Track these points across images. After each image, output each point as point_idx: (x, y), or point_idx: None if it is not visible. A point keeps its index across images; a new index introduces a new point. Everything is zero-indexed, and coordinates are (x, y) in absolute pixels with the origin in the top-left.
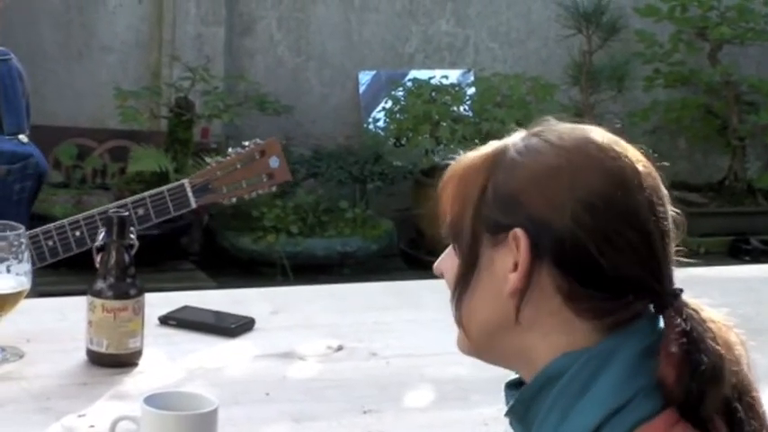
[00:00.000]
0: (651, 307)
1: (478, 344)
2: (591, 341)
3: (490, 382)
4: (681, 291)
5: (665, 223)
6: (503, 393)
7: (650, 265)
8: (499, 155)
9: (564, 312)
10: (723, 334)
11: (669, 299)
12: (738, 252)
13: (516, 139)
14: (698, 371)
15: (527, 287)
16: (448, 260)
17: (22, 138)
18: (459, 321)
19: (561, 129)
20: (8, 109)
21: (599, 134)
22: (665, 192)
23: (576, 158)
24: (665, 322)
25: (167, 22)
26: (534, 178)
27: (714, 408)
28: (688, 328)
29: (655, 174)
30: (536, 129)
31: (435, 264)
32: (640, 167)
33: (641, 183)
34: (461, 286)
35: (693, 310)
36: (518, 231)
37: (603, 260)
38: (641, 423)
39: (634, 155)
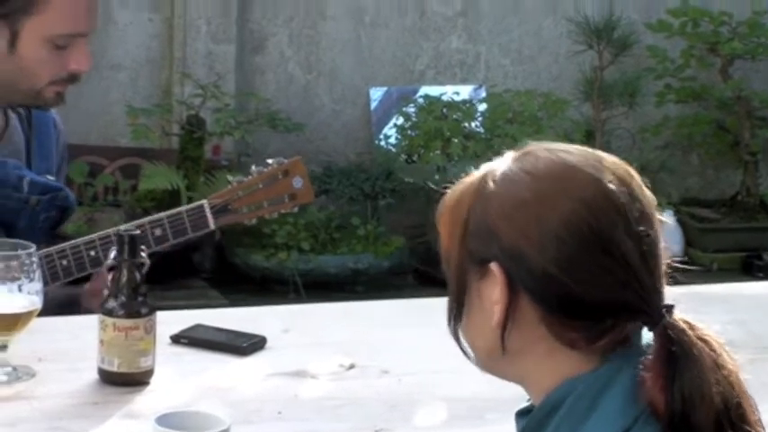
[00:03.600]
0: (642, 326)
1: (485, 366)
2: (587, 366)
3: (504, 401)
4: (671, 307)
5: (647, 240)
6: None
7: (631, 287)
8: (481, 183)
9: (550, 341)
10: (713, 352)
11: (657, 317)
12: (751, 268)
13: (499, 164)
14: (681, 393)
15: (508, 319)
16: None
17: (51, 178)
18: (462, 348)
19: (541, 155)
20: (39, 152)
21: (577, 157)
22: (647, 208)
23: (546, 188)
24: (654, 341)
25: (178, 39)
26: (505, 210)
27: (705, 428)
28: (674, 349)
29: (635, 191)
30: (521, 153)
31: None
32: (615, 187)
33: (615, 205)
34: (455, 317)
35: (684, 327)
36: (493, 265)
37: (579, 289)
38: None
39: (612, 175)
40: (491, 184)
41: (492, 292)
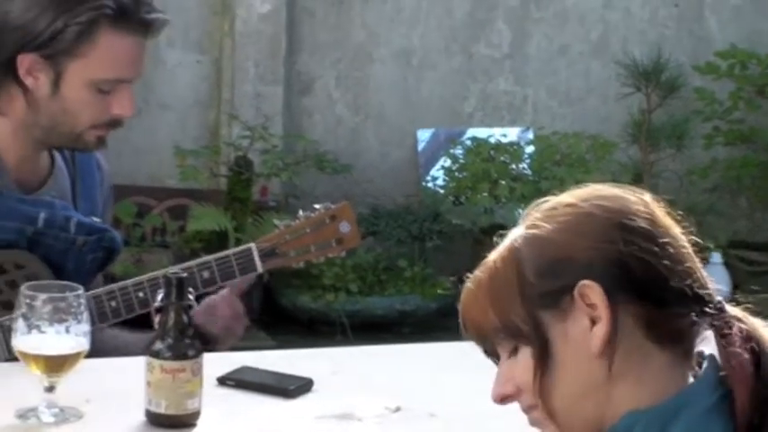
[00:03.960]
0: (707, 321)
1: (569, 424)
2: (667, 385)
3: None
4: (721, 301)
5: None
6: None
7: (698, 273)
8: (514, 244)
9: (647, 346)
10: None
11: (717, 306)
12: None
13: (519, 228)
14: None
15: (615, 332)
16: (509, 371)
17: (96, 219)
18: (550, 411)
19: (557, 198)
20: (84, 193)
21: (598, 186)
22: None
23: (596, 200)
24: (721, 331)
25: (226, 81)
26: (571, 233)
27: None
28: (755, 347)
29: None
30: (531, 213)
31: (495, 391)
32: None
33: (658, 207)
34: (542, 374)
35: (738, 318)
36: (584, 284)
37: (664, 269)
38: None
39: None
40: (529, 232)
41: (580, 321)
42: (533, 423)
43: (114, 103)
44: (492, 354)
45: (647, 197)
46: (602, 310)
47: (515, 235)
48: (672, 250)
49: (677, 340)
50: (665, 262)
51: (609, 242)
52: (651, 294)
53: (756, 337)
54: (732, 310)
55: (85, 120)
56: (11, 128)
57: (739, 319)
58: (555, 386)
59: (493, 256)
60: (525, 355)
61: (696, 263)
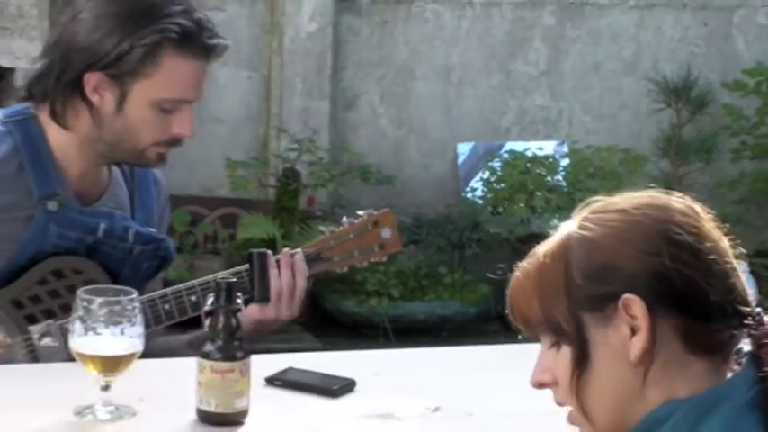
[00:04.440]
0: (745, 332)
1: (602, 427)
2: (700, 386)
3: None
4: (760, 313)
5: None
6: None
7: (740, 287)
8: (565, 242)
9: (684, 356)
10: None
11: (756, 318)
12: None
13: (571, 224)
14: None
15: (653, 343)
16: (549, 361)
17: (152, 230)
18: (584, 409)
19: (610, 200)
20: (141, 205)
21: (651, 192)
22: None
23: (647, 209)
24: (759, 342)
25: (275, 96)
26: (619, 240)
27: None
28: None
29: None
30: (584, 212)
31: (534, 378)
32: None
33: (708, 219)
34: (579, 374)
35: None
36: (627, 297)
37: (706, 285)
38: None
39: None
40: (580, 233)
41: (620, 329)
42: (571, 420)
43: (175, 123)
44: (536, 339)
45: (698, 208)
46: (643, 323)
47: (566, 231)
48: (716, 266)
49: (715, 351)
50: (708, 278)
51: (654, 254)
52: (691, 308)
53: None
54: None
55: (147, 137)
56: (76, 142)
57: None
58: (590, 387)
59: (543, 248)
60: (566, 353)
61: (739, 277)
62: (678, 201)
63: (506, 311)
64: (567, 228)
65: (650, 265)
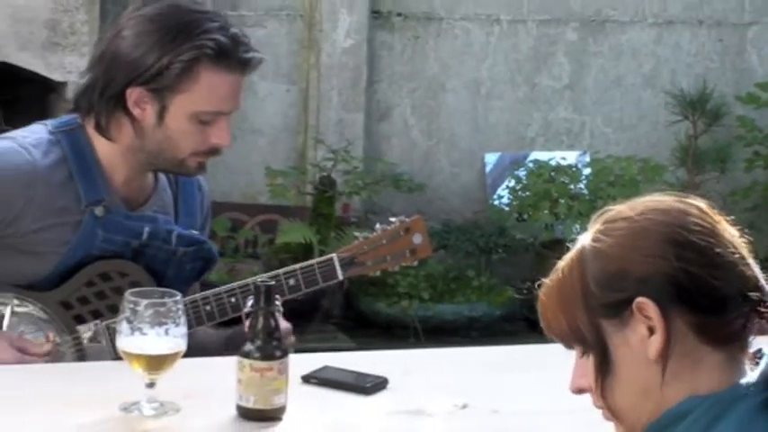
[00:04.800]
0: (759, 318)
1: (632, 423)
2: (720, 381)
3: None
4: None
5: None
6: None
7: (751, 273)
8: (580, 255)
9: (700, 349)
10: None
11: None
12: None
13: (585, 237)
14: None
15: (669, 341)
16: (582, 368)
17: (195, 232)
18: (612, 410)
19: (619, 209)
20: (185, 209)
21: (656, 197)
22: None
23: (651, 214)
24: None
25: (312, 108)
26: (627, 247)
27: None
28: None
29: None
30: (596, 223)
31: (573, 384)
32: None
33: (712, 214)
34: (602, 377)
35: None
36: (640, 300)
37: (716, 281)
38: None
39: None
40: (592, 244)
41: (638, 330)
42: (607, 418)
43: (213, 134)
44: (571, 348)
45: (702, 205)
46: (657, 323)
47: (582, 244)
48: (722, 259)
49: (731, 341)
50: (716, 271)
51: (661, 257)
52: (702, 304)
53: None
54: None
55: (187, 148)
56: (119, 152)
57: None
58: (616, 388)
59: (562, 263)
60: (590, 360)
61: (749, 263)
62: (680, 201)
63: (541, 326)
64: (582, 241)
65: (658, 268)
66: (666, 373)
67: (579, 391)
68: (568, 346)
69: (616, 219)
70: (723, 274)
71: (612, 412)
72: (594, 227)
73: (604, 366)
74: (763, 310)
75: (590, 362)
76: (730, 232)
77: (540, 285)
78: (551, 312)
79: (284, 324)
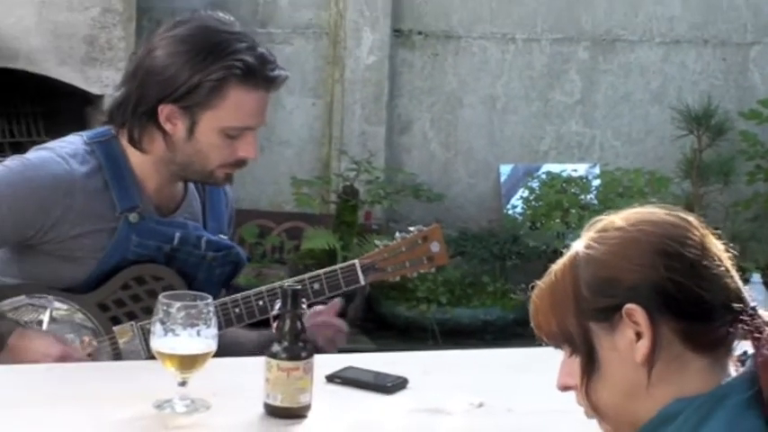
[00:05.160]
0: (741, 328)
1: (616, 422)
2: (705, 384)
3: None
4: (755, 307)
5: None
6: None
7: (734, 285)
8: (573, 260)
9: (685, 354)
10: None
11: (750, 313)
12: None
13: (579, 244)
14: None
15: (656, 346)
16: (569, 367)
17: (223, 236)
18: (594, 407)
19: (612, 218)
20: (212, 215)
21: (648, 209)
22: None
23: (643, 225)
24: (753, 335)
25: (336, 121)
26: (618, 255)
27: None
28: None
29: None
30: (590, 231)
31: (559, 382)
32: (685, 222)
33: (701, 228)
34: (588, 377)
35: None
36: (629, 307)
37: (703, 291)
38: None
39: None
40: (585, 251)
41: (626, 334)
42: (589, 416)
43: (240, 147)
44: (559, 348)
45: (691, 219)
46: (645, 329)
47: (574, 251)
48: (708, 271)
49: (715, 346)
50: (702, 282)
51: (650, 267)
52: (688, 312)
53: None
54: (765, 315)
55: (215, 160)
56: (151, 162)
57: None
58: (601, 389)
59: (555, 267)
60: (577, 360)
61: (733, 276)
62: (671, 214)
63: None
64: (576, 247)
65: (648, 277)
66: (652, 376)
67: (565, 388)
68: (557, 346)
69: (609, 228)
70: (709, 284)
71: (596, 410)
72: (588, 234)
73: (590, 367)
74: (744, 318)
75: (577, 362)
76: (717, 246)
77: (533, 288)
78: (542, 314)
79: (339, 321)
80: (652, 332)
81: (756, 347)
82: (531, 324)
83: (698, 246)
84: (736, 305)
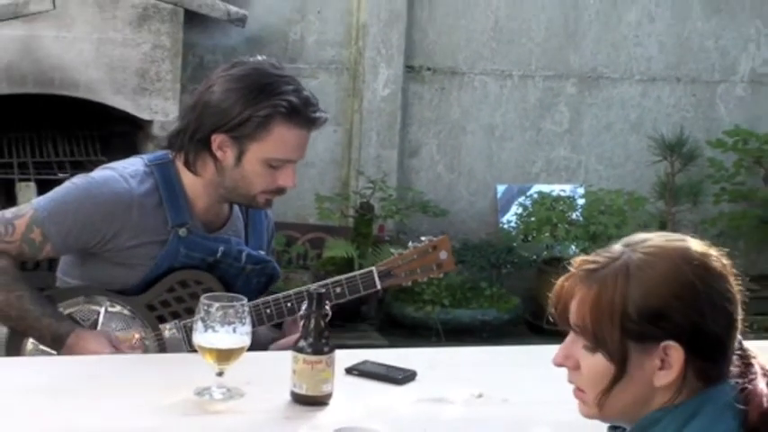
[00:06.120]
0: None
1: (606, 416)
2: (689, 396)
3: (595, 425)
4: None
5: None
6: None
7: (736, 332)
8: (625, 270)
9: (691, 382)
10: None
11: (740, 347)
12: None
13: (631, 254)
14: None
15: (679, 379)
16: (573, 350)
17: (262, 252)
18: (601, 406)
19: (665, 245)
20: (254, 233)
21: (701, 245)
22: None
23: (697, 270)
24: (746, 369)
25: (355, 146)
26: (673, 294)
27: None
28: (761, 364)
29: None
30: (635, 243)
31: (557, 359)
32: (723, 267)
33: (730, 270)
34: (612, 384)
35: (754, 355)
36: (670, 344)
37: (729, 340)
38: None
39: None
40: (640, 269)
41: (655, 361)
42: (576, 396)
43: (281, 177)
44: (563, 328)
45: (725, 261)
46: (676, 364)
47: (626, 260)
48: (736, 320)
49: (713, 379)
50: (732, 332)
51: (700, 315)
52: (713, 356)
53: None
54: (750, 348)
55: (258, 186)
56: (202, 185)
57: (754, 356)
58: (615, 394)
59: (603, 261)
60: (599, 360)
61: (740, 316)
62: (720, 263)
63: (550, 302)
64: (628, 256)
65: (694, 323)
66: (661, 394)
67: (560, 365)
68: (568, 329)
69: (664, 257)
70: (734, 333)
71: (599, 407)
72: (642, 248)
73: (618, 378)
74: (742, 354)
75: (596, 359)
76: (736, 287)
77: (564, 266)
78: (579, 304)
79: None
80: (682, 369)
81: (745, 374)
82: (552, 305)
83: (734, 297)
84: (739, 347)
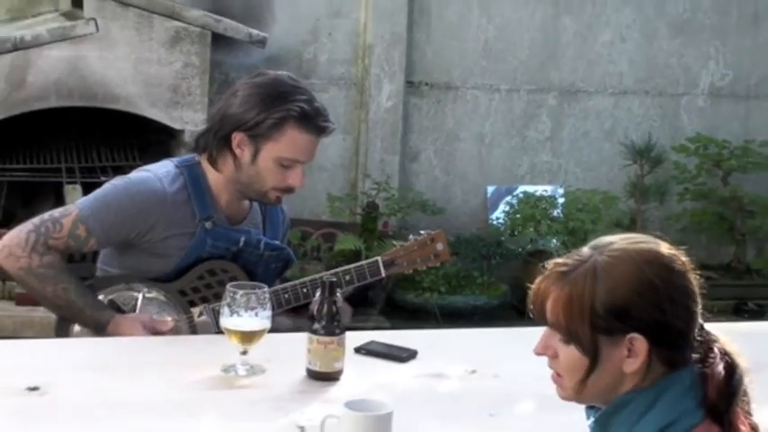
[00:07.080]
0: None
1: (583, 400)
2: (654, 380)
3: None
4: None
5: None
6: (584, 410)
7: (696, 323)
8: (593, 271)
9: (660, 369)
10: (736, 355)
11: (701, 332)
12: (740, 312)
13: (598, 257)
14: (733, 387)
15: (644, 366)
16: (551, 342)
17: (277, 242)
18: (578, 392)
19: (628, 247)
20: (270, 225)
21: (661, 246)
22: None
23: (658, 269)
24: (706, 353)
25: (362, 151)
26: (636, 292)
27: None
28: (728, 359)
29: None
30: (610, 249)
31: (537, 349)
32: (682, 265)
33: (690, 267)
34: (587, 375)
35: (716, 339)
36: (635, 336)
37: (689, 330)
38: (689, 430)
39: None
40: (604, 273)
41: (622, 351)
42: (554, 380)
43: (290, 176)
44: (541, 322)
45: (685, 259)
46: (641, 353)
47: (594, 262)
48: (695, 310)
49: (677, 364)
50: (692, 323)
51: (660, 311)
52: (675, 344)
53: (728, 351)
54: (711, 331)
55: (270, 183)
56: (223, 180)
57: (716, 340)
58: (591, 382)
59: (573, 263)
60: (572, 351)
61: (700, 308)
62: (675, 255)
63: (529, 301)
64: (595, 259)
65: (657, 318)
66: (630, 379)
67: (540, 354)
68: (545, 325)
69: (627, 259)
70: (694, 324)
71: (577, 393)
72: (608, 251)
73: (593, 367)
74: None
75: (570, 351)
76: (696, 281)
77: (544, 262)
78: (553, 302)
79: (346, 306)
80: (646, 357)
81: (705, 358)
82: (530, 305)
83: (693, 292)
84: (699, 335)
